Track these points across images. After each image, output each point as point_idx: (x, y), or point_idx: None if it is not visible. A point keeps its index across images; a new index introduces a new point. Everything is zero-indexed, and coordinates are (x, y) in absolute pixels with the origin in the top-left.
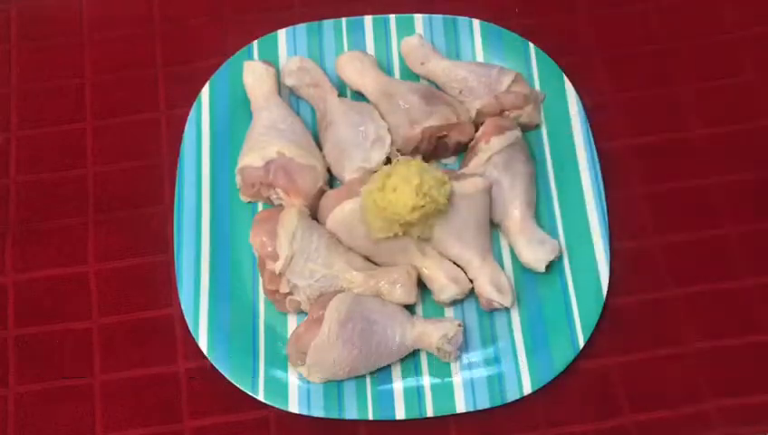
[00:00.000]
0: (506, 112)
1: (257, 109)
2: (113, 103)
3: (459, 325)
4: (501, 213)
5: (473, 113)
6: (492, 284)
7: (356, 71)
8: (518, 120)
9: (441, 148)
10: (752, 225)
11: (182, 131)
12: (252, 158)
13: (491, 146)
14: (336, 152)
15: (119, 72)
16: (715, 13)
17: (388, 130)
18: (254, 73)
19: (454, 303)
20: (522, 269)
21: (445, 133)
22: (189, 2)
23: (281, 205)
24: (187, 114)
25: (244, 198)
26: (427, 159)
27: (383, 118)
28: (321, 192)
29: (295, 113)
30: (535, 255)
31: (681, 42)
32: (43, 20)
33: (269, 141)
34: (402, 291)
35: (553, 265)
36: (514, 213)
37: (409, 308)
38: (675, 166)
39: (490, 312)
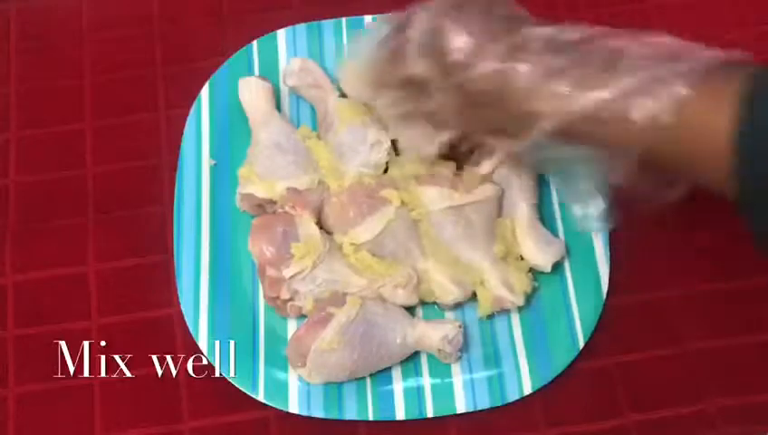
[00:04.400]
0: None
1: (256, 125)
2: (112, 103)
3: (459, 327)
4: (508, 214)
5: None
6: (504, 285)
7: None
8: None
9: (454, 156)
10: None
11: (182, 131)
12: (258, 189)
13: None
14: (335, 155)
15: (118, 72)
16: (714, 13)
17: (391, 141)
18: (249, 90)
19: (455, 306)
20: None
21: (458, 143)
22: (189, 2)
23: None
24: (187, 114)
25: (242, 208)
26: None
27: (394, 136)
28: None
29: (292, 126)
30: (543, 255)
31: None
32: (43, 20)
33: (275, 172)
34: (404, 293)
35: (554, 265)
36: (522, 214)
37: (410, 310)
38: None
39: (498, 312)
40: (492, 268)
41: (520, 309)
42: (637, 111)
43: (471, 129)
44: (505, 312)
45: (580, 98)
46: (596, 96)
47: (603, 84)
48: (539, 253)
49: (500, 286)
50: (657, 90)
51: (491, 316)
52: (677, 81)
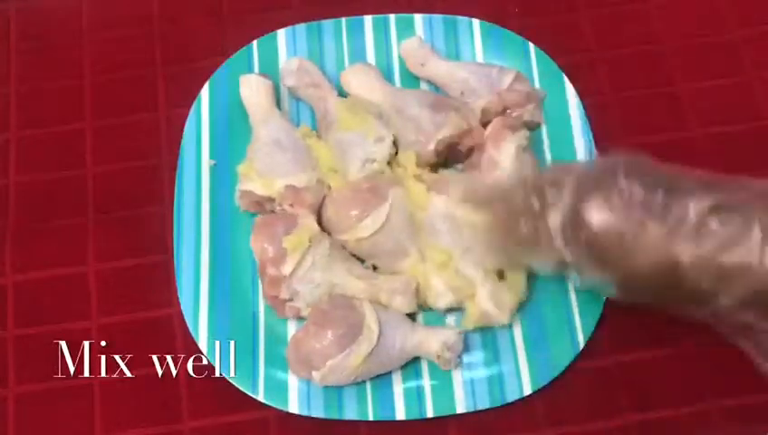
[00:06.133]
0: (509, 111)
1: (256, 122)
2: (113, 103)
3: (459, 333)
4: None
5: (477, 113)
6: (492, 300)
7: (362, 84)
8: (521, 119)
9: (454, 155)
10: None
11: (182, 131)
12: (257, 186)
13: (503, 152)
14: (338, 152)
15: (118, 72)
16: (715, 13)
17: (394, 141)
18: (250, 87)
19: (449, 310)
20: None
21: (457, 141)
22: (189, 2)
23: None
24: (187, 114)
25: (242, 207)
26: (441, 166)
27: (395, 132)
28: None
29: (292, 124)
30: None
31: (681, 42)
32: (43, 20)
33: (274, 169)
34: (401, 300)
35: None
36: None
37: (410, 315)
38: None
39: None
40: (484, 281)
41: (520, 309)
42: None
43: (638, 301)
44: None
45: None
46: None
47: None
48: None
49: (488, 301)
50: None
51: None
52: None
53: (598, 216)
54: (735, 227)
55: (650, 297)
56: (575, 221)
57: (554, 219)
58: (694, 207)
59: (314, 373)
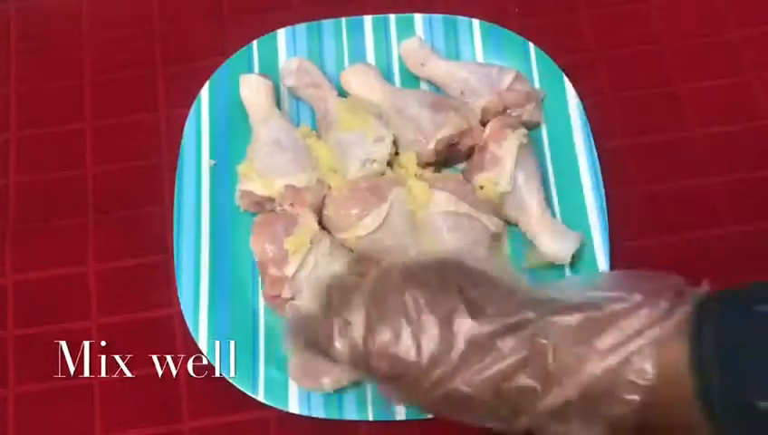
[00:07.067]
0: (509, 111)
1: (256, 123)
2: (113, 103)
3: None
4: (518, 209)
5: (477, 112)
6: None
7: (362, 85)
8: (521, 119)
9: (454, 154)
10: (752, 225)
11: (182, 131)
12: (257, 186)
13: (505, 148)
14: (338, 152)
15: (118, 72)
16: (715, 13)
17: (394, 141)
18: (250, 87)
19: None
20: (522, 270)
21: (457, 141)
22: (189, 2)
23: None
24: (187, 114)
25: (242, 207)
26: (441, 165)
27: (394, 132)
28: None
29: (292, 124)
30: (561, 246)
31: (681, 42)
32: (43, 20)
33: (274, 169)
34: None
35: (553, 265)
36: (533, 208)
37: None
38: (675, 166)
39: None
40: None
41: None
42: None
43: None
44: None
45: (563, 388)
46: (563, 393)
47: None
48: (557, 246)
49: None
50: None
51: None
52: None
53: (385, 356)
54: (514, 352)
55: (455, 417)
56: (365, 356)
57: (342, 351)
58: (474, 335)
59: (324, 380)
